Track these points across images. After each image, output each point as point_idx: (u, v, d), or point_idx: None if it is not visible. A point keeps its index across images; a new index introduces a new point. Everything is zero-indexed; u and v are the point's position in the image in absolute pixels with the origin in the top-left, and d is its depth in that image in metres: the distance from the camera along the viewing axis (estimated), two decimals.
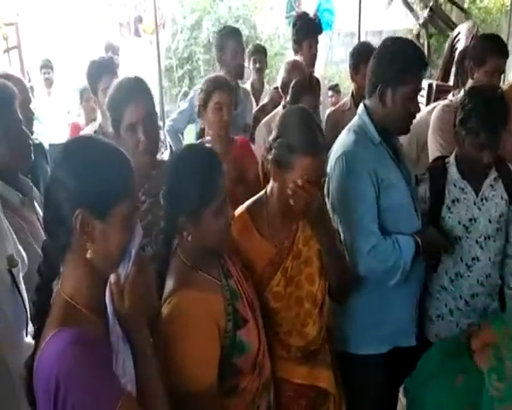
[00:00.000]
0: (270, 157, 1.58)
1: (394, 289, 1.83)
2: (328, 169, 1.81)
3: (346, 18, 9.79)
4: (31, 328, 1.29)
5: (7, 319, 1.41)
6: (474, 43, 2.74)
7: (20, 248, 1.52)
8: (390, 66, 1.78)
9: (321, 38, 3.39)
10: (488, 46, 2.57)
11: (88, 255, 1.04)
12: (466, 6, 9.00)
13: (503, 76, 2.76)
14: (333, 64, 9.84)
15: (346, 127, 1.92)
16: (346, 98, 3.22)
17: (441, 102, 2.74)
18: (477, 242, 1.96)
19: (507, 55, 2.61)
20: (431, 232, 1.90)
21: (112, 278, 1.06)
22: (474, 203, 1.96)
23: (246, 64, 3.42)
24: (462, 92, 2.63)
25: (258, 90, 3.87)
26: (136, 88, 1.76)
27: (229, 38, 3.13)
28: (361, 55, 2.93)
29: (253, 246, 1.60)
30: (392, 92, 1.79)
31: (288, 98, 2.71)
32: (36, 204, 1.81)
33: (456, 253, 1.97)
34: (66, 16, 8.62)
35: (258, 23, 9.38)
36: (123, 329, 1.08)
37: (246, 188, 2.24)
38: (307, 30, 3.27)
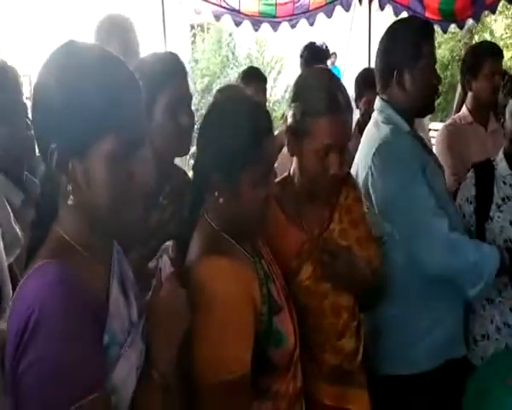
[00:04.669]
0: (285, 127, 1.40)
1: (441, 292, 1.64)
2: (364, 168, 1.65)
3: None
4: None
5: None
6: (464, 57, 2.65)
7: (17, 227, 1.38)
8: (401, 46, 1.66)
9: None
10: (479, 51, 2.53)
11: (69, 202, 0.83)
12: None
13: None
14: None
15: (370, 123, 1.77)
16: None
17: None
18: None
19: (502, 55, 2.52)
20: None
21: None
22: None
23: None
24: (464, 109, 2.58)
25: None
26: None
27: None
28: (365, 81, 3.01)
29: (278, 230, 1.38)
30: (411, 71, 1.66)
31: None
32: None
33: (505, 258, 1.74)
34: None
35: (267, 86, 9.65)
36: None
37: None
38: (315, 56, 3.19)
